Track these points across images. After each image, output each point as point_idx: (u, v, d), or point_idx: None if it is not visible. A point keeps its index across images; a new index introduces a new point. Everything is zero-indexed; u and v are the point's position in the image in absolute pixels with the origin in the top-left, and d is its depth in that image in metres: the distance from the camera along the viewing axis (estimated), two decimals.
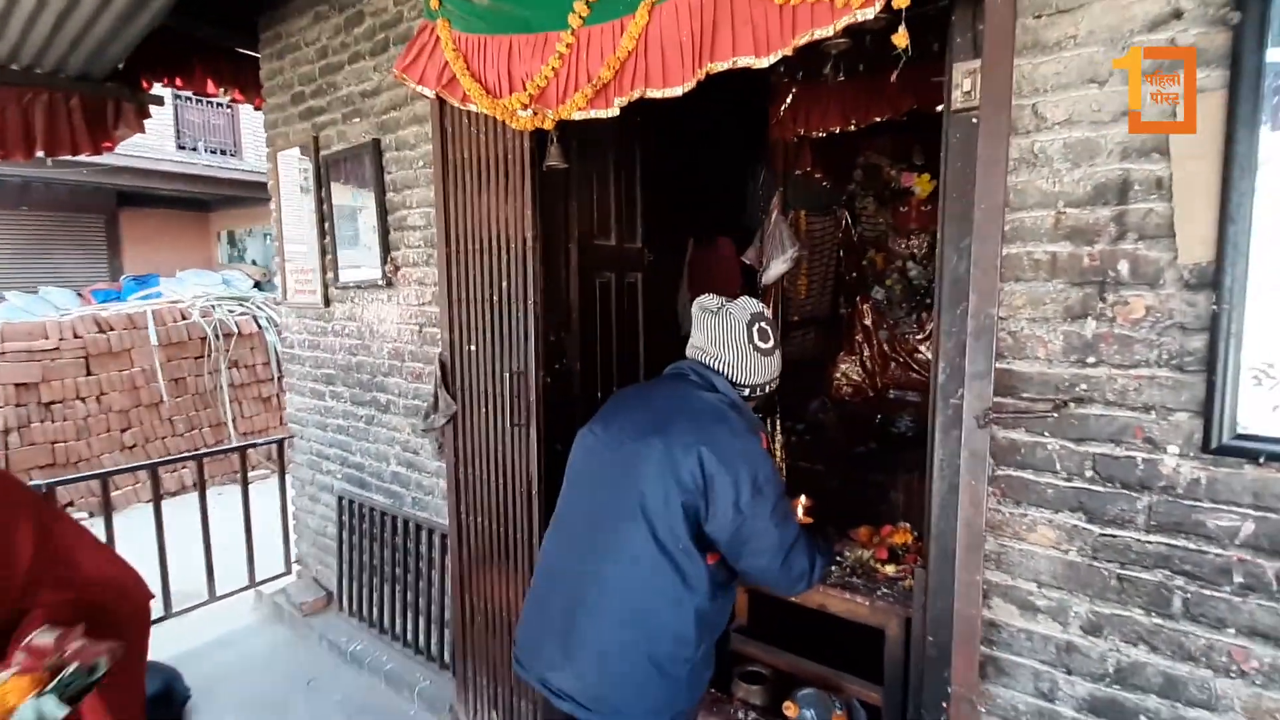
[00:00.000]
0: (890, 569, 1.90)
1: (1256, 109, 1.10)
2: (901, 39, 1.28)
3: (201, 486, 3.28)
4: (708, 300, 1.54)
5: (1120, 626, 1.32)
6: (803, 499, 2.18)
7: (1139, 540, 1.29)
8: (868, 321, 4.37)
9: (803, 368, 4.33)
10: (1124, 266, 1.25)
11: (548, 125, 1.85)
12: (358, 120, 2.77)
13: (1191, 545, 1.24)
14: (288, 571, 3.56)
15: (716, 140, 3.53)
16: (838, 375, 4.44)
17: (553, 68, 1.79)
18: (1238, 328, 1.15)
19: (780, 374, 1.55)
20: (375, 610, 3.03)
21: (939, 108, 3.25)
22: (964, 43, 1.39)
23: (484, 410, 2.30)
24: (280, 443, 3.51)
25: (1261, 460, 1.15)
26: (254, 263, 12.69)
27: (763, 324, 1.50)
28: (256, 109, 3.66)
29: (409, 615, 2.88)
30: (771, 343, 1.50)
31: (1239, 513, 1.19)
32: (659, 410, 1.45)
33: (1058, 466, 1.35)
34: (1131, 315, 1.25)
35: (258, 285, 11.27)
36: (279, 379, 6.02)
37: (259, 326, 5.87)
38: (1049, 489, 1.37)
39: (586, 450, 1.51)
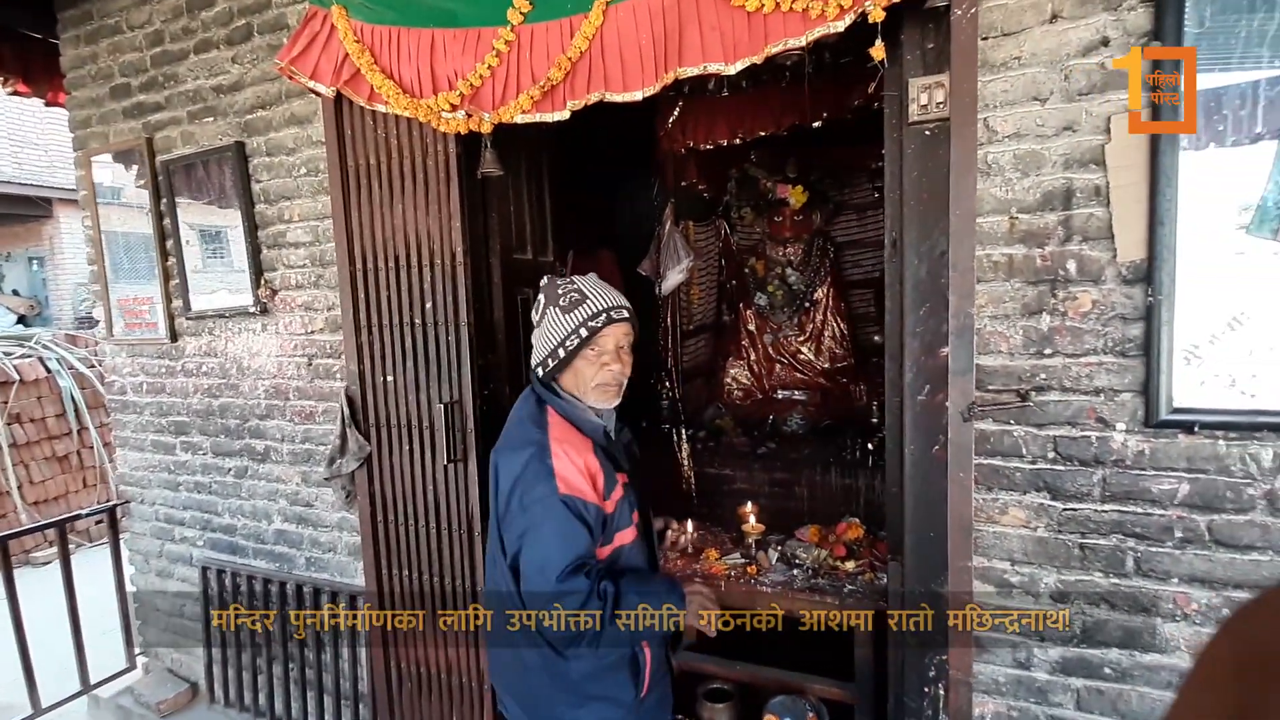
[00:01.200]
0: (850, 565, 1.96)
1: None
2: (879, 51, 1.31)
3: (9, 575, 2.57)
4: None
5: (1084, 591, 1.46)
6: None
7: (1096, 511, 1.43)
8: (751, 327, 4.56)
9: (697, 375, 4.43)
10: (1072, 265, 1.39)
11: (484, 129, 1.68)
12: (211, 120, 2.34)
13: (1139, 510, 1.40)
14: (130, 666, 2.91)
15: (604, 148, 3.48)
16: (728, 380, 4.58)
17: (489, 66, 1.63)
18: (1169, 316, 1.31)
19: (568, 333, 1.32)
20: (261, 695, 2.56)
21: (816, 124, 3.47)
22: (914, 60, 1.47)
23: (407, 448, 2.04)
24: (112, 510, 2.86)
25: (1195, 429, 1.33)
26: (15, 293, 10.53)
27: (537, 295, 1.41)
28: (50, 104, 3.00)
29: (310, 695, 2.47)
30: (539, 313, 1.39)
31: (1176, 476, 1.36)
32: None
33: (1024, 451, 1.47)
34: (1080, 309, 1.39)
35: (22, 320, 9.30)
36: (79, 432, 4.97)
37: (48, 371, 4.80)
38: (1017, 472, 1.48)
39: None
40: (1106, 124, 1.33)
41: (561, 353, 1.33)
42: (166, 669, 2.87)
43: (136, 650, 2.93)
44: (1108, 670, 1.46)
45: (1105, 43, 1.32)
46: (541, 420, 1.32)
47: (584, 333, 1.31)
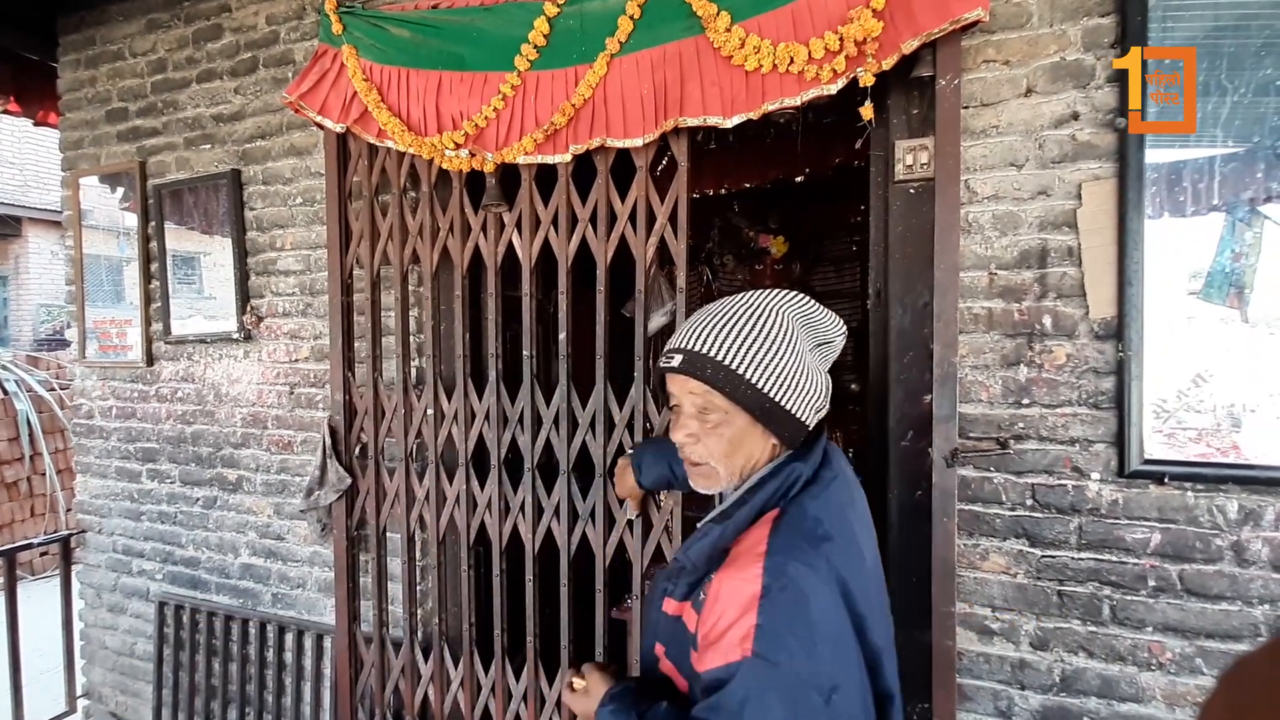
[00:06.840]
0: None
1: (1141, 196, 1.37)
2: (868, 112, 1.40)
3: None
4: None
5: (1063, 638, 1.48)
6: None
7: (1073, 558, 1.47)
8: None
9: None
10: (1047, 320, 1.46)
11: (487, 168, 1.73)
12: (208, 147, 2.36)
13: (1114, 558, 1.44)
14: (70, 710, 2.73)
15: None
16: None
17: (494, 108, 1.69)
18: (1139, 371, 1.39)
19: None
20: None
21: (799, 179, 3.60)
22: (899, 123, 1.56)
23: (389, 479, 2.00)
24: (66, 540, 2.73)
25: (1164, 480, 1.38)
26: None
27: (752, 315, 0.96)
28: (39, 124, 2.99)
29: None
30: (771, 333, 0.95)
31: (1148, 526, 1.41)
32: None
33: (1003, 498, 1.51)
34: (1055, 362, 1.46)
35: None
36: (32, 458, 4.76)
37: (4, 393, 4.62)
38: (997, 519, 1.52)
39: None
40: (1078, 190, 1.42)
41: None
42: (110, 713, 2.70)
43: (79, 693, 2.76)
44: (1087, 719, 1.47)
45: (1075, 117, 1.42)
46: None
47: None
